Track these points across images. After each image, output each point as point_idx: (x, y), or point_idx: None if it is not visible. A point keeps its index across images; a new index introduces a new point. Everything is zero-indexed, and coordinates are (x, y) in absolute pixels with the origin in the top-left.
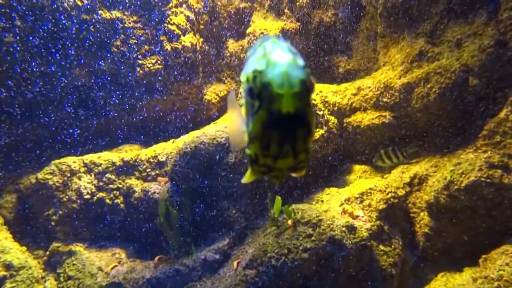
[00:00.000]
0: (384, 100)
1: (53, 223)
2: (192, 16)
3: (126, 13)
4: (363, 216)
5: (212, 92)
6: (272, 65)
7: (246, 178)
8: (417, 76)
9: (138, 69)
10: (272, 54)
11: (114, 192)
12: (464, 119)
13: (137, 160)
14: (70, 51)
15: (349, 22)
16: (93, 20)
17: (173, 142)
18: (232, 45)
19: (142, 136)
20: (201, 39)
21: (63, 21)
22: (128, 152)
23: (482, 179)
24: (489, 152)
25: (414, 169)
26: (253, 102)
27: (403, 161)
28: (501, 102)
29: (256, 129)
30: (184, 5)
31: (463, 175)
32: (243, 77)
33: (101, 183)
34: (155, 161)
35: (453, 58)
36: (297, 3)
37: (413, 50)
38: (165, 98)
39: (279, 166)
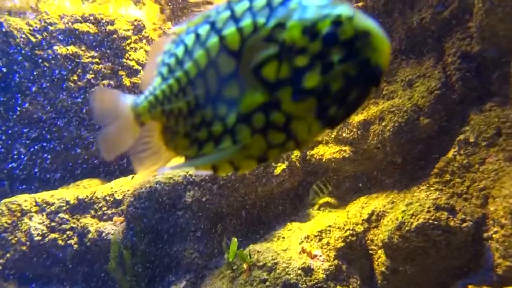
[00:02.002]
0: (344, 135)
1: (0, 267)
2: None
3: (83, 48)
4: (321, 256)
5: None
6: (360, 14)
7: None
8: (373, 114)
9: None
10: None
11: (68, 232)
12: (418, 156)
13: (93, 198)
14: (22, 87)
15: None
16: (47, 56)
17: (132, 178)
18: None
19: (102, 170)
20: None
21: (16, 57)
22: (86, 188)
23: (430, 221)
24: (437, 193)
25: (373, 204)
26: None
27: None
28: (450, 141)
29: (326, 83)
30: (144, 40)
31: (413, 217)
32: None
33: (53, 223)
34: (112, 199)
35: (405, 98)
36: None
37: None
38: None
39: (310, 136)
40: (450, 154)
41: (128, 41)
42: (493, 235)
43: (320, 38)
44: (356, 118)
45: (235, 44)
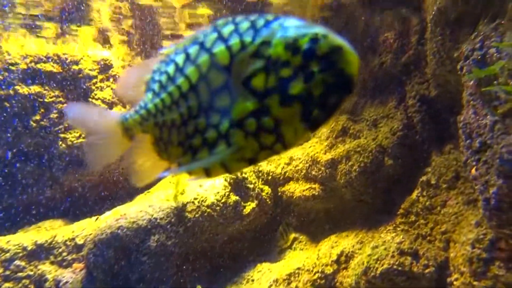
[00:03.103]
0: (313, 173)
1: None
2: None
3: (47, 87)
4: None
5: None
6: (333, 33)
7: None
8: (340, 153)
9: (61, 142)
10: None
11: (24, 281)
12: (385, 196)
13: (53, 242)
14: None
15: None
16: (8, 96)
17: (96, 219)
18: None
19: (67, 210)
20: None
21: None
22: (48, 231)
23: (394, 267)
24: (402, 235)
25: (342, 244)
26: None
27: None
28: (414, 181)
29: (309, 90)
30: (111, 79)
31: (378, 261)
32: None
33: (7, 272)
34: (73, 243)
35: (370, 138)
36: None
37: (337, 126)
38: (92, 171)
39: (293, 138)
40: (414, 195)
41: (94, 80)
42: (454, 282)
43: (301, 52)
44: (324, 157)
45: (225, 60)
